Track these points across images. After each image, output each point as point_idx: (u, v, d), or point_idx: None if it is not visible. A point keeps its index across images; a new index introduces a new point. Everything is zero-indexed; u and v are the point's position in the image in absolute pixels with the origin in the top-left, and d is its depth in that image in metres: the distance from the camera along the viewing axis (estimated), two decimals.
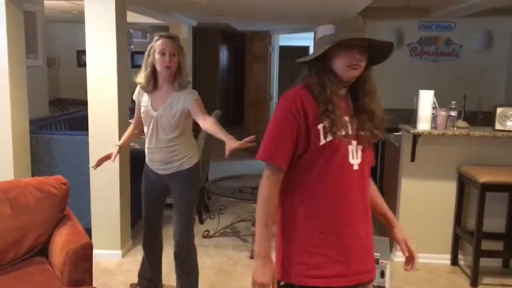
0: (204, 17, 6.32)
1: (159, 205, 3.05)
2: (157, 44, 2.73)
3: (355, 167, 1.63)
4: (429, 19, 5.58)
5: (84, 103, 3.82)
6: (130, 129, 3.06)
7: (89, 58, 3.63)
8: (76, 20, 6.26)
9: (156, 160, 2.88)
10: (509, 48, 5.60)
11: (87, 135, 3.71)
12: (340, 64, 1.58)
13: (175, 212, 2.91)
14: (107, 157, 2.91)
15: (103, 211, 3.74)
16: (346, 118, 1.63)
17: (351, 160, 1.63)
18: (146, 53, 2.78)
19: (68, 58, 8.68)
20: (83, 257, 2.38)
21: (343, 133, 1.60)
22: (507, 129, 3.57)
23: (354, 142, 1.63)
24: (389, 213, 1.83)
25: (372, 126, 1.65)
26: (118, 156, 2.95)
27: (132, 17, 4.82)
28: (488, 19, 5.54)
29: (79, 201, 3.76)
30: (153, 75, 2.78)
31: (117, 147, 2.95)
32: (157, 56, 2.72)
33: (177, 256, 2.95)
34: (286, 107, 1.61)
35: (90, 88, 3.66)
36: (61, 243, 2.51)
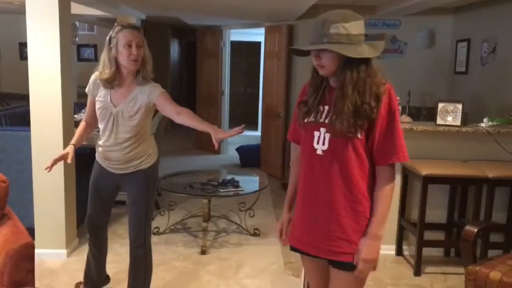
0: (153, 10, 6.21)
1: (108, 204, 2.91)
2: (121, 35, 2.54)
3: (319, 152, 1.81)
4: (376, 17, 5.73)
5: (26, 98, 3.66)
6: (82, 125, 2.83)
7: (31, 51, 3.48)
8: (19, 11, 5.99)
9: (113, 159, 2.72)
10: (449, 47, 5.83)
11: (29, 130, 3.57)
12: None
13: (132, 212, 2.77)
14: (63, 157, 2.67)
15: (47, 209, 3.61)
16: (325, 108, 1.82)
17: (315, 145, 1.82)
18: (107, 45, 2.59)
19: (10, 50, 8.33)
20: (24, 257, 2.27)
21: (312, 119, 1.83)
22: (447, 123, 3.72)
23: (323, 129, 1.80)
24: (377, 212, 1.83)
25: (344, 117, 1.72)
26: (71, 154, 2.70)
27: (77, 8, 4.66)
28: (431, 18, 5.76)
29: (21, 199, 3.63)
30: (117, 69, 2.61)
31: (72, 146, 2.72)
32: (121, 48, 2.53)
33: (134, 257, 2.82)
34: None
35: (32, 82, 3.51)
36: (1, 243, 2.39)
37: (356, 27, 1.72)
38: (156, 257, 3.79)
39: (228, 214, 4.89)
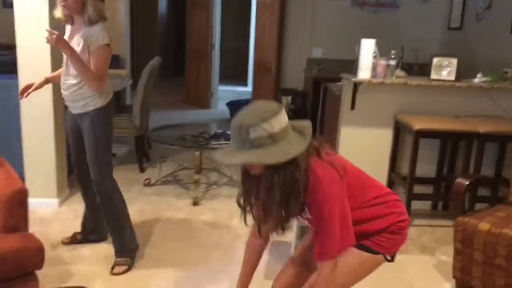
0: None
1: (82, 146, 2.88)
2: None
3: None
4: None
5: (10, 47, 3.55)
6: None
7: None
8: None
9: (64, 96, 2.80)
10: (444, 1, 5.75)
11: (16, 78, 3.47)
12: None
13: (87, 154, 2.82)
14: (27, 87, 2.82)
15: (36, 158, 3.58)
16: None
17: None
18: None
19: None
20: (18, 203, 2.26)
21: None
22: (441, 78, 3.71)
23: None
24: None
25: (273, 220, 1.74)
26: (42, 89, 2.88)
27: None
28: None
29: (10, 149, 3.57)
30: None
31: (43, 78, 2.86)
32: None
33: (98, 197, 2.87)
34: None
35: (18, 30, 3.40)
36: None
37: (278, 123, 1.57)
38: (147, 207, 3.83)
39: (220, 167, 4.90)
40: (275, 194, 1.63)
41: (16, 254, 2.15)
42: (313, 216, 1.67)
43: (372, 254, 1.82)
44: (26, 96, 2.85)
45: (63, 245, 3.11)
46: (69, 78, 2.71)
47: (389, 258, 1.87)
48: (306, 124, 1.70)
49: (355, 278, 1.82)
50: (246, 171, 1.73)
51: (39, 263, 2.23)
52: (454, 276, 2.81)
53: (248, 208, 1.77)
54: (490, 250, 2.57)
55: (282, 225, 1.74)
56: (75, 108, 2.77)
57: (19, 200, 2.27)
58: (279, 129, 1.57)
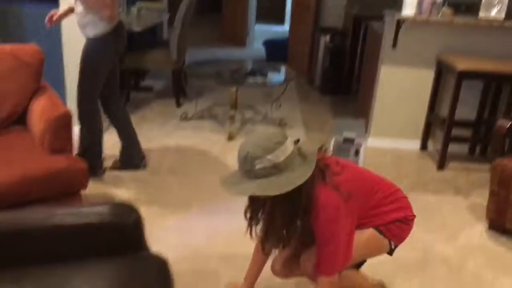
0: None
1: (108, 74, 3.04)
2: None
3: None
4: None
5: None
6: None
7: None
8: None
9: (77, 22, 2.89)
10: None
11: (58, 7, 3.50)
12: None
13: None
14: (54, 15, 2.94)
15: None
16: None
17: None
18: None
19: None
20: (62, 126, 2.36)
21: None
22: (490, 17, 3.54)
23: None
24: None
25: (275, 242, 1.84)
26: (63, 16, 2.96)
27: None
28: None
29: (53, 77, 3.65)
30: None
31: (67, 7, 2.94)
32: None
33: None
34: None
35: None
36: (40, 112, 2.48)
37: (283, 153, 1.60)
38: (184, 141, 3.92)
39: (255, 105, 4.92)
40: (277, 220, 1.71)
41: (62, 174, 2.26)
42: (316, 235, 1.72)
43: (381, 235, 1.84)
44: (51, 25, 2.96)
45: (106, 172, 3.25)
46: (78, 5, 2.80)
47: (392, 247, 1.88)
48: (311, 149, 1.73)
49: (356, 252, 1.80)
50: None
51: (84, 183, 2.34)
52: (487, 217, 2.81)
53: (253, 223, 1.84)
54: None
55: (283, 245, 1.84)
56: (83, 34, 2.89)
57: (64, 123, 2.37)
58: (284, 158, 1.60)
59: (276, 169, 1.59)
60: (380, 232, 1.83)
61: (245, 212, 1.83)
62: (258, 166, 1.59)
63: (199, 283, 2.23)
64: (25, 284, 1.43)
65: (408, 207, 1.90)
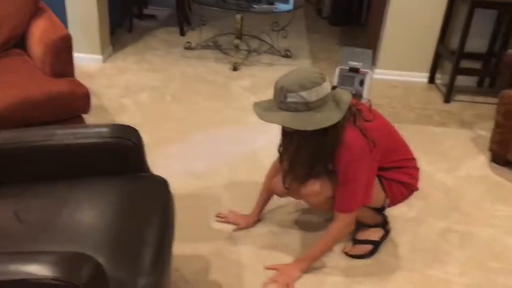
0: None
1: None
2: None
3: None
4: None
5: None
6: None
7: None
8: None
9: None
10: None
11: None
12: None
13: None
14: None
15: (79, 14, 3.57)
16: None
17: None
18: None
19: None
20: (63, 49, 2.32)
21: None
22: None
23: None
24: (311, 249, 1.96)
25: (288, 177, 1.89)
26: None
27: None
28: None
29: (53, 4, 3.56)
30: None
31: None
32: None
33: None
34: None
35: None
36: (39, 34, 2.43)
37: (317, 93, 1.64)
38: (188, 69, 3.87)
39: (260, 35, 4.80)
40: (300, 156, 1.77)
41: (64, 97, 2.26)
42: (338, 174, 1.76)
43: (380, 187, 1.88)
44: None
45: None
46: None
47: (385, 205, 1.94)
48: (346, 95, 1.75)
49: None
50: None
51: (86, 107, 2.34)
52: (490, 149, 2.80)
53: (284, 158, 1.90)
54: None
55: (303, 181, 1.85)
56: None
57: (65, 46, 2.33)
58: (316, 99, 1.64)
59: (307, 107, 1.65)
60: (382, 185, 1.88)
61: (278, 148, 1.92)
62: (289, 99, 1.64)
63: (200, 207, 2.27)
64: (26, 199, 1.46)
65: (416, 178, 1.96)
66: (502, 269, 2.02)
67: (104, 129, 1.64)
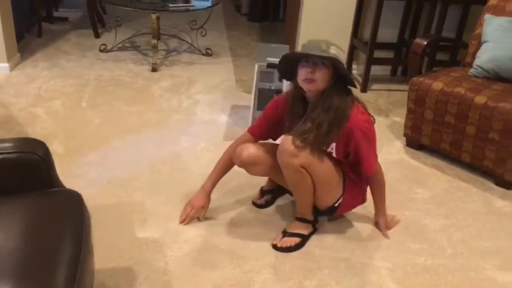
0: None
1: None
2: None
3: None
4: None
5: None
6: None
7: None
8: None
9: None
10: None
11: None
12: (298, 78, 1.86)
13: None
14: None
15: None
16: (298, 122, 1.92)
17: None
18: None
19: None
20: None
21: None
22: None
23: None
24: (378, 203, 2.17)
25: (309, 134, 1.86)
26: None
27: None
28: None
29: None
30: None
31: None
32: None
33: None
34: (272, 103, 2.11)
35: None
36: None
37: (344, 58, 1.85)
38: (105, 73, 3.73)
39: (179, 34, 4.73)
40: (329, 115, 1.83)
41: None
42: (361, 142, 1.87)
43: (341, 185, 2.00)
44: None
45: None
46: None
47: (336, 204, 2.04)
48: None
49: (318, 175, 1.94)
50: (296, 95, 1.95)
51: None
52: (404, 134, 2.93)
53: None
54: (441, 108, 2.65)
55: (320, 142, 1.89)
56: None
57: None
58: (344, 62, 1.84)
59: (342, 63, 1.81)
60: (344, 182, 1.99)
61: (289, 108, 1.98)
62: (332, 51, 1.80)
63: (123, 217, 2.19)
64: None
65: (366, 191, 2.14)
66: (421, 250, 2.11)
67: (6, 144, 1.52)
